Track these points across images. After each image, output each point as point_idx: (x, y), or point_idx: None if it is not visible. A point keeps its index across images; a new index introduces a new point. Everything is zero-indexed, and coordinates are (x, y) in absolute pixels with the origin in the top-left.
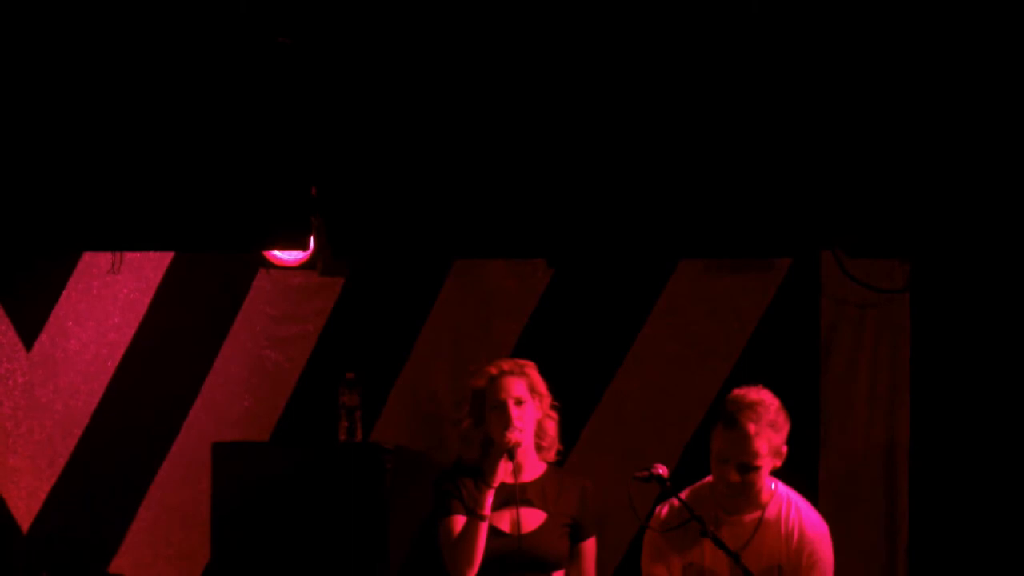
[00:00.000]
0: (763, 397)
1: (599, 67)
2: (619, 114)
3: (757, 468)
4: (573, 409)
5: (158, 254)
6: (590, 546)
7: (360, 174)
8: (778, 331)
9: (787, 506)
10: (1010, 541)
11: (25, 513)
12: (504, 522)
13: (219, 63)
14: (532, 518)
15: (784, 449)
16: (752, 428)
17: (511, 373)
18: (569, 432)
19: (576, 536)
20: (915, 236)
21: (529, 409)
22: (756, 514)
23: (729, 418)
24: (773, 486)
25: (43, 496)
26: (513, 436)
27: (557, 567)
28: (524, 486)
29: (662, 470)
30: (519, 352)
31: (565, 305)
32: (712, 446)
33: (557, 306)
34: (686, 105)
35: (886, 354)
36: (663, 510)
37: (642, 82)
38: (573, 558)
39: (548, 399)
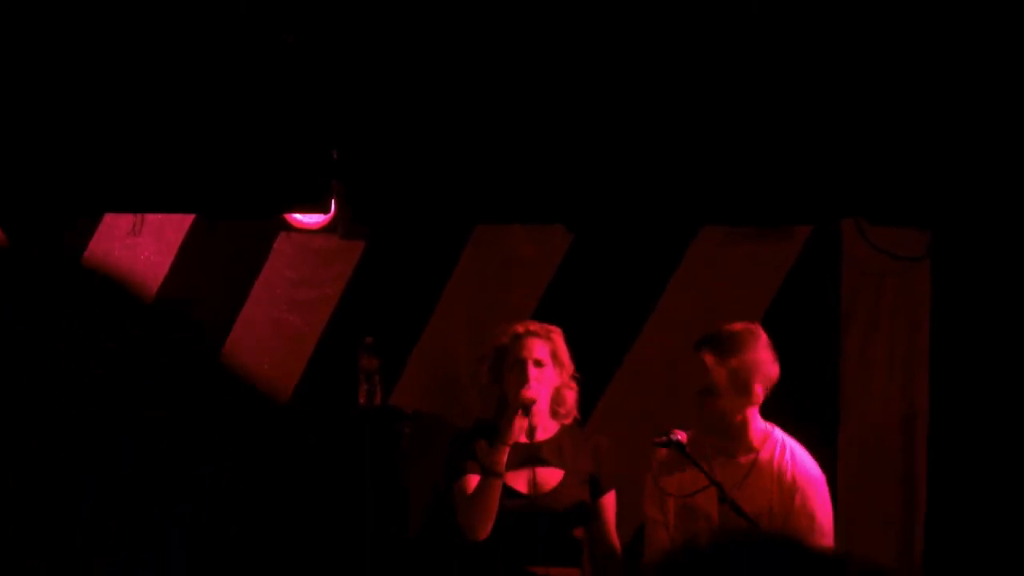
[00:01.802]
0: (739, 330)
1: (622, 31)
2: (641, 79)
3: (710, 394)
4: (592, 375)
5: (179, 216)
6: (610, 500)
7: (381, 138)
8: (798, 298)
9: (781, 450)
10: None
11: None
12: (521, 482)
13: (242, 27)
14: (549, 477)
15: (754, 388)
16: (709, 359)
17: (536, 335)
18: (588, 398)
19: (595, 492)
20: (936, 204)
21: (548, 372)
22: (750, 456)
23: (695, 348)
24: (769, 428)
25: None
26: (528, 393)
27: (577, 524)
28: (539, 444)
29: (681, 436)
30: (538, 316)
31: (584, 271)
32: (705, 378)
33: (576, 272)
34: (710, 70)
35: (906, 322)
36: (662, 452)
37: (665, 47)
38: (593, 514)
39: (570, 368)
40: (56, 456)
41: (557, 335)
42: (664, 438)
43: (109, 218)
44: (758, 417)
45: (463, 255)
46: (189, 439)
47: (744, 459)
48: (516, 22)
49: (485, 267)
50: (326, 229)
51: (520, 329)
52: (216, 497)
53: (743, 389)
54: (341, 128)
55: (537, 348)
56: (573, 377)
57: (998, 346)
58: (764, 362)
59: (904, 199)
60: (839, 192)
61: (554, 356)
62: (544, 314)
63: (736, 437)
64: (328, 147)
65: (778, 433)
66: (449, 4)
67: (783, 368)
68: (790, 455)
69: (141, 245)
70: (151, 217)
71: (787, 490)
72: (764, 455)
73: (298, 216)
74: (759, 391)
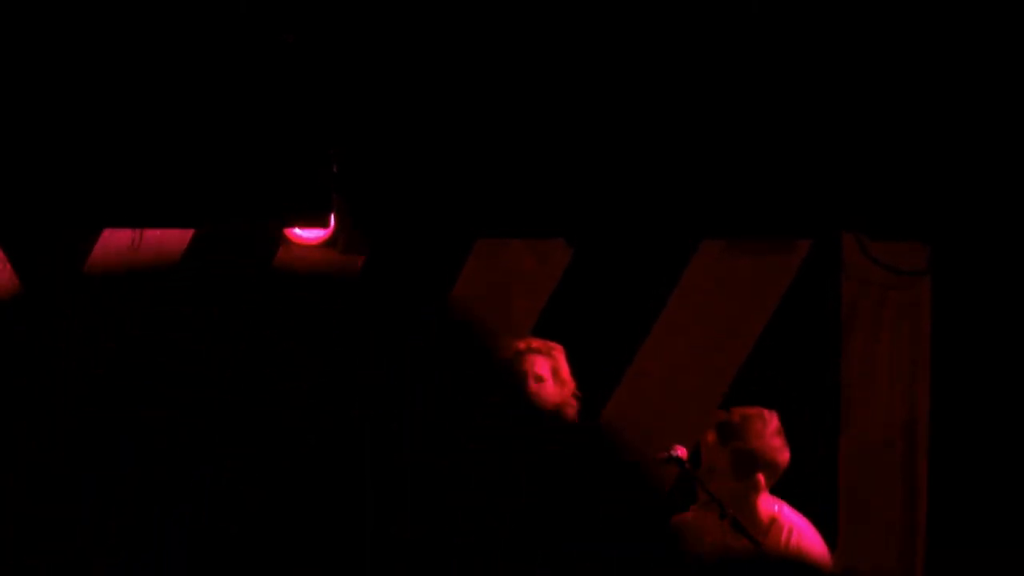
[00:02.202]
0: (742, 418)
1: (620, 46)
2: (640, 93)
3: (719, 483)
4: (593, 389)
5: (179, 231)
6: None
7: (381, 151)
8: (799, 311)
9: (787, 535)
10: None
11: None
12: None
13: (239, 39)
14: None
15: (757, 477)
16: (714, 443)
17: (537, 351)
18: (590, 411)
19: None
20: (936, 218)
21: (548, 388)
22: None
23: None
24: (776, 510)
25: None
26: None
27: None
28: None
29: (681, 452)
30: (539, 331)
31: (585, 285)
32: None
33: (577, 286)
34: (708, 84)
35: (907, 334)
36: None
37: (664, 61)
38: None
39: (571, 386)
40: (56, 456)
41: (558, 352)
42: (665, 454)
43: (108, 233)
44: (763, 501)
45: (463, 270)
46: (189, 439)
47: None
48: (516, 34)
49: (486, 281)
50: (325, 244)
51: (521, 345)
52: (216, 497)
53: (745, 475)
54: (341, 142)
55: (538, 364)
56: (574, 395)
57: (998, 357)
58: (770, 449)
59: (905, 213)
60: (840, 206)
61: (555, 373)
62: (545, 328)
63: (749, 518)
64: (328, 161)
65: (785, 513)
66: (449, 17)
67: (786, 377)
68: (796, 540)
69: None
70: (150, 232)
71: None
72: (769, 542)
73: (298, 231)
74: (761, 479)
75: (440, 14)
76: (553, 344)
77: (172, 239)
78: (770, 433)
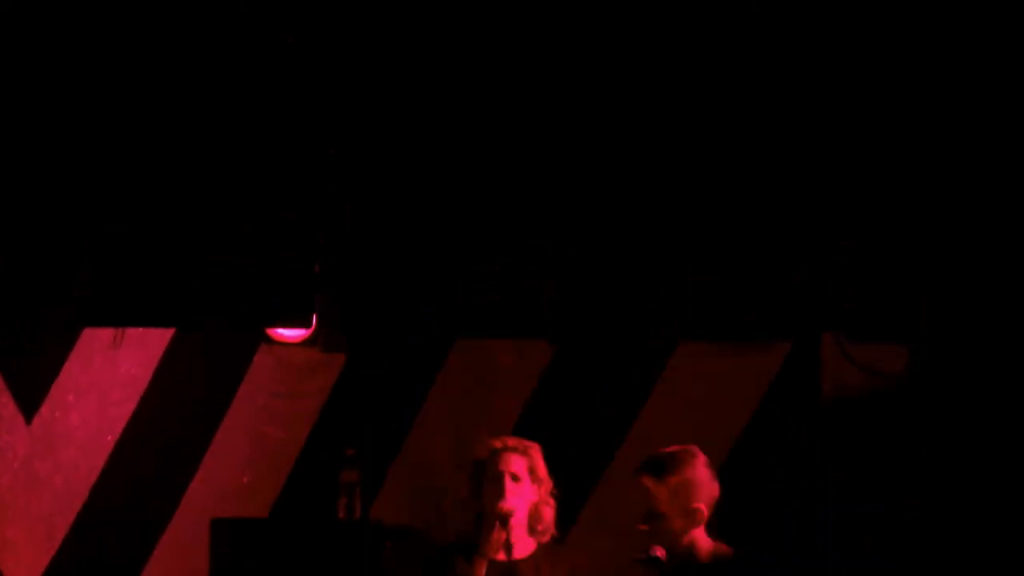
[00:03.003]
0: (677, 453)
1: (585, 143)
2: (617, 191)
3: (659, 517)
4: (573, 487)
5: (160, 329)
6: None
7: (363, 250)
8: (779, 412)
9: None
10: None
11: None
12: None
13: (217, 131)
14: None
15: (695, 507)
16: (649, 482)
17: (514, 450)
18: (568, 510)
19: None
20: (916, 321)
21: (525, 487)
22: None
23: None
24: (718, 547)
25: (41, 570)
26: (505, 505)
27: None
28: (516, 563)
29: (660, 552)
30: (520, 429)
31: (566, 383)
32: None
33: (558, 384)
34: (684, 180)
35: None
36: None
37: (636, 151)
38: None
39: (548, 485)
40: None
41: (535, 451)
42: (644, 555)
43: (89, 332)
44: (705, 537)
45: (444, 367)
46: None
47: None
48: (487, 129)
49: (467, 379)
50: (307, 342)
51: (498, 444)
52: None
53: (686, 509)
54: (322, 244)
55: (514, 463)
56: (551, 494)
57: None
58: (704, 481)
59: (884, 315)
60: (819, 307)
61: (532, 472)
62: (526, 426)
63: (686, 560)
64: (310, 262)
65: (724, 549)
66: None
67: (769, 479)
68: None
69: (121, 357)
70: (131, 331)
71: None
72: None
73: (279, 330)
74: (703, 509)
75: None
76: (530, 443)
77: (153, 337)
78: (700, 464)
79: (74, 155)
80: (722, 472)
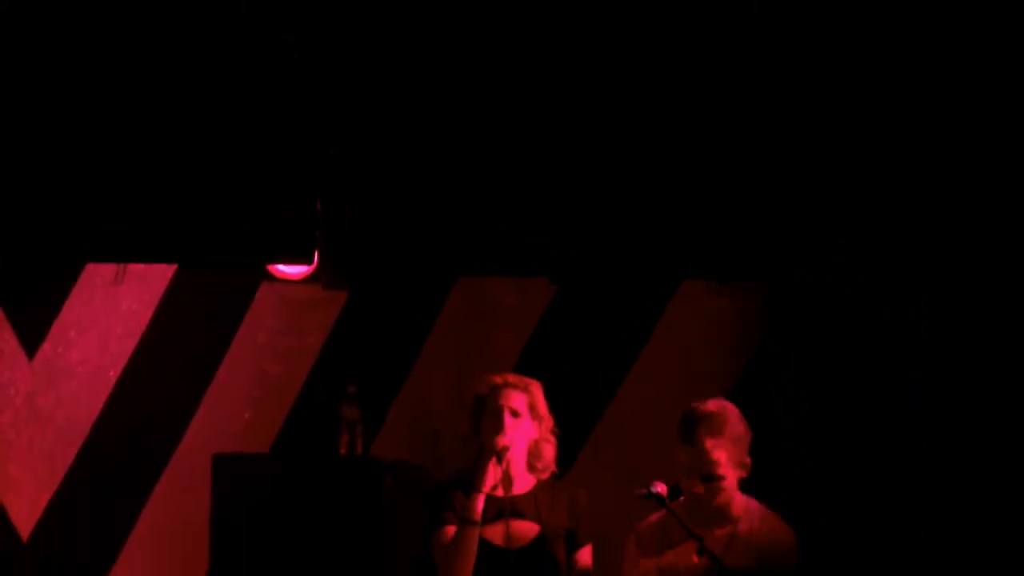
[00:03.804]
0: (720, 408)
1: (602, 92)
2: (623, 135)
3: (720, 478)
4: (573, 426)
5: (162, 266)
6: (585, 555)
7: (365, 189)
8: (780, 350)
9: (758, 520)
10: None
11: (25, 521)
12: (497, 536)
13: (224, 78)
14: (525, 531)
15: (747, 460)
16: (709, 442)
17: (514, 386)
18: (569, 449)
19: (571, 546)
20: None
21: (525, 423)
22: (728, 529)
23: (686, 433)
24: (748, 500)
25: (43, 505)
26: (503, 440)
27: None
28: (515, 499)
29: (661, 488)
30: (521, 367)
31: (567, 323)
32: (678, 461)
33: (559, 324)
34: (690, 127)
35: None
36: (643, 525)
37: (648, 104)
38: (569, 568)
39: (549, 422)
40: None
41: (536, 388)
42: (645, 490)
43: (92, 266)
44: (733, 492)
45: (446, 306)
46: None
47: (721, 532)
48: (496, 78)
49: (468, 318)
50: (309, 279)
51: (498, 380)
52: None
53: (742, 463)
54: (325, 179)
55: (515, 399)
56: (552, 431)
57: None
58: (747, 432)
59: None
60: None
61: (532, 408)
62: (527, 365)
63: (713, 507)
64: (312, 198)
65: (753, 504)
66: (432, 56)
67: (768, 419)
68: (767, 525)
69: (123, 294)
70: (134, 266)
71: (765, 562)
72: (742, 528)
73: (281, 267)
74: (749, 462)
75: (420, 52)
76: (530, 380)
77: (155, 273)
78: (739, 415)
79: (84, 107)
80: None
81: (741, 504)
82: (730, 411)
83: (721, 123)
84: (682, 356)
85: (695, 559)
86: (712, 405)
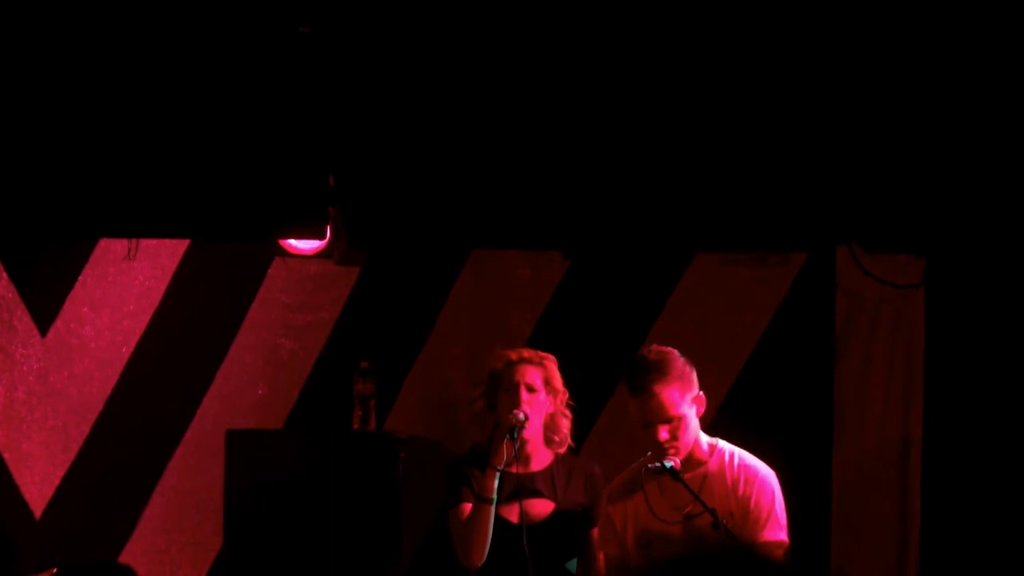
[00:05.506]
0: (661, 356)
1: (618, 59)
2: (637, 107)
3: (679, 418)
4: (587, 399)
5: (174, 241)
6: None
7: (377, 164)
8: (793, 325)
9: (730, 457)
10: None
11: (38, 498)
12: (513, 513)
13: (237, 52)
14: (540, 508)
15: (701, 395)
16: (657, 388)
17: (529, 361)
18: (583, 422)
19: (586, 523)
20: (930, 231)
21: (541, 398)
22: (700, 470)
23: (634, 385)
24: (714, 441)
25: (56, 482)
26: (518, 414)
27: (567, 556)
28: (532, 476)
29: (675, 461)
30: (534, 342)
31: (581, 296)
32: (631, 415)
33: (573, 297)
34: (704, 98)
35: (901, 350)
36: (614, 483)
37: (661, 75)
38: (584, 545)
39: (564, 395)
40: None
41: (551, 362)
42: (658, 464)
43: (104, 243)
44: (693, 424)
45: (459, 279)
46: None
47: (691, 475)
48: (510, 49)
49: (481, 292)
50: (322, 254)
51: (513, 356)
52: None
53: (695, 399)
54: (337, 153)
55: (530, 374)
56: (567, 405)
57: (993, 373)
58: (691, 369)
59: (899, 227)
60: (834, 219)
61: (547, 383)
62: (541, 339)
63: (680, 451)
64: (324, 172)
65: (722, 444)
66: (445, 30)
67: (779, 391)
68: (739, 460)
69: (136, 270)
70: (146, 242)
71: (741, 495)
72: (713, 465)
73: (293, 241)
74: (703, 396)
75: (439, 27)
76: (545, 354)
77: (167, 249)
78: (679, 355)
79: (97, 80)
80: (734, 384)
81: (708, 444)
82: (669, 353)
83: (734, 99)
84: (696, 329)
85: (710, 531)
86: (653, 355)
